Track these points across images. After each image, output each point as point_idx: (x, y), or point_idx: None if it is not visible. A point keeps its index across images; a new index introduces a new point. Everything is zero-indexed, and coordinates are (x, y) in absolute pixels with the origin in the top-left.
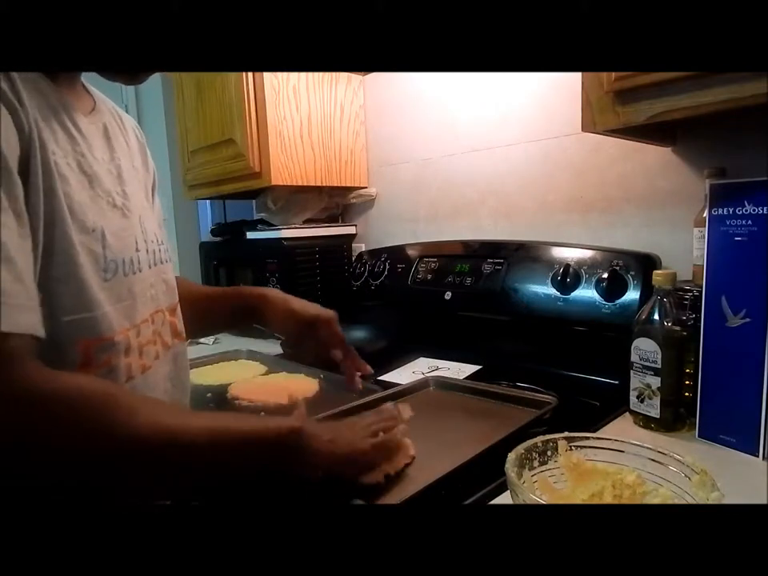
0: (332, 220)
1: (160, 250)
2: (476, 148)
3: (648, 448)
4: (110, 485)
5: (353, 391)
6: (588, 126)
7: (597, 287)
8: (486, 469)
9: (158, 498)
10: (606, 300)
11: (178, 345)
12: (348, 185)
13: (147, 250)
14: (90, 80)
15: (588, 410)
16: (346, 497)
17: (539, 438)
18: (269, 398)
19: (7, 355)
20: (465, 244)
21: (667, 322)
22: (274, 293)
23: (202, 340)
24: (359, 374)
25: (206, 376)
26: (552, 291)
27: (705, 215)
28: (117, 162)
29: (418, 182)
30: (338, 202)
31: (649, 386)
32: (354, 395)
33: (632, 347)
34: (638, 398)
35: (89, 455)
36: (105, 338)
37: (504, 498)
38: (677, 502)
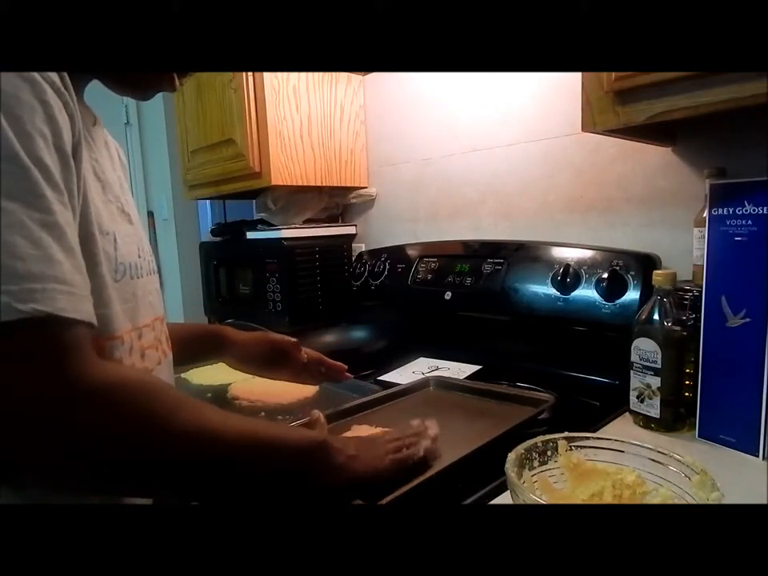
0: (332, 220)
1: (152, 261)
2: (476, 148)
3: (648, 448)
4: (149, 479)
5: (346, 380)
6: (588, 125)
7: (597, 287)
8: (482, 467)
9: (186, 494)
10: (606, 300)
11: (169, 354)
12: (348, 185)
13: (145, 259)
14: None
15: (588, 409)
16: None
17: (539, 438)
18: (269, 398)
19: (72, 343)
20: (465, 244)
21: (667, 322)
22: (231, 329)
23: None
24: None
25: (206, 376)
26: (552, 291)
27: (705, 215)
28: (117, 173)
29: (417, 181)
30: (338, 202)
31: (649, 386)
32: (354, 395)
33: (632, 347)
34: (638, 398)
35: (138, 447)
36: (115, 336)
37: (504, 498)
38: (677, 502)
